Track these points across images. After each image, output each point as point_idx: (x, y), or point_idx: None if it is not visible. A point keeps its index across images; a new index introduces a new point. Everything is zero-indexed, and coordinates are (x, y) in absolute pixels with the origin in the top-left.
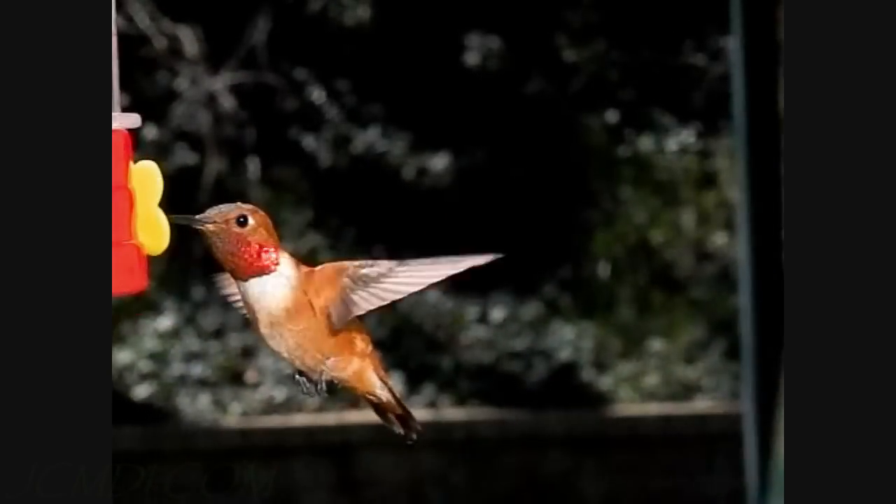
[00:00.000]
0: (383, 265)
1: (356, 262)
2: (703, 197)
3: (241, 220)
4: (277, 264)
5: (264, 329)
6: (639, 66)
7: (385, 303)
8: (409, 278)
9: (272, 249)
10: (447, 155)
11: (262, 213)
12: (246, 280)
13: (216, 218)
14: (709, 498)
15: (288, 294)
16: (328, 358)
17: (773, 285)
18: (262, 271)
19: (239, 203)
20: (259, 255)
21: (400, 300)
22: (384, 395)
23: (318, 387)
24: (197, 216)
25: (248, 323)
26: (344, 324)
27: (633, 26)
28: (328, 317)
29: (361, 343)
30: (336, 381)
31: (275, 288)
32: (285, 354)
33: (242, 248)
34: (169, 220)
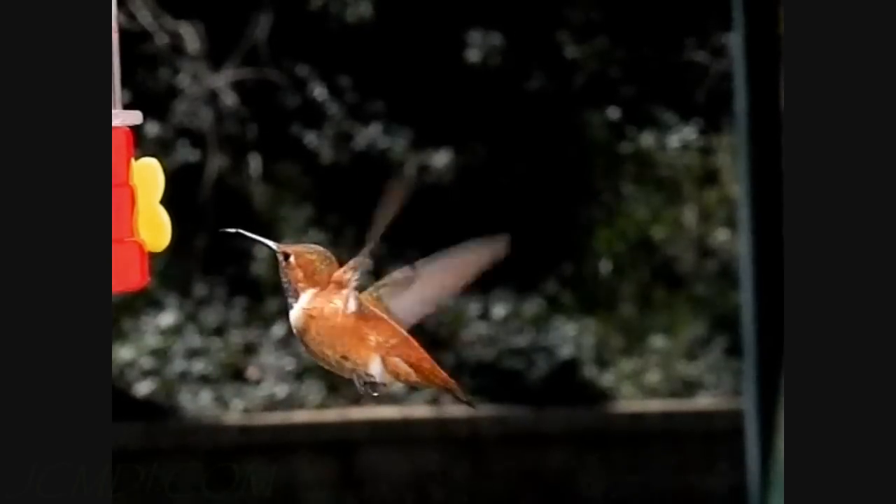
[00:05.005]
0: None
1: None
2: (705, 194)
3: (285, 256)
4: (296, 299)
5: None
6: (640, 63)
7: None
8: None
9: (301, 288)
10: (449, 152)
11: (308, 258)
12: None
13: (280, 248)
14: (710, 494)
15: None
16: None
17: (774, 282)
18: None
19: (309, 245)
20: (293, 287)
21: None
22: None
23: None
24: (276, 244)
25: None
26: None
27: (634, 23)
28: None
29: (379, 337)
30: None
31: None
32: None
33: (284, 278)
34: (253, 238)
